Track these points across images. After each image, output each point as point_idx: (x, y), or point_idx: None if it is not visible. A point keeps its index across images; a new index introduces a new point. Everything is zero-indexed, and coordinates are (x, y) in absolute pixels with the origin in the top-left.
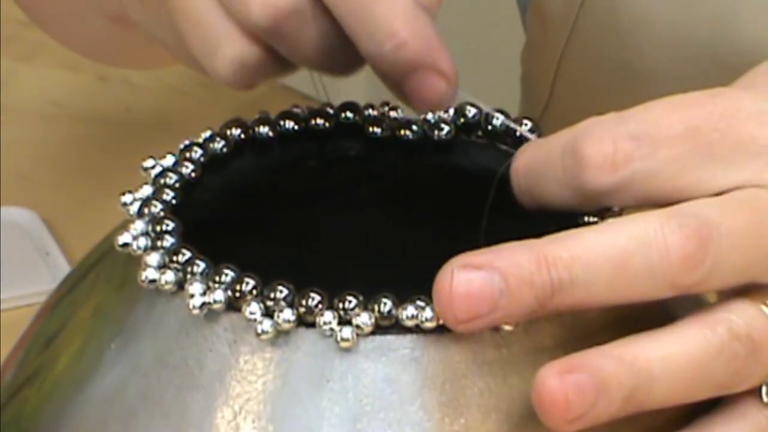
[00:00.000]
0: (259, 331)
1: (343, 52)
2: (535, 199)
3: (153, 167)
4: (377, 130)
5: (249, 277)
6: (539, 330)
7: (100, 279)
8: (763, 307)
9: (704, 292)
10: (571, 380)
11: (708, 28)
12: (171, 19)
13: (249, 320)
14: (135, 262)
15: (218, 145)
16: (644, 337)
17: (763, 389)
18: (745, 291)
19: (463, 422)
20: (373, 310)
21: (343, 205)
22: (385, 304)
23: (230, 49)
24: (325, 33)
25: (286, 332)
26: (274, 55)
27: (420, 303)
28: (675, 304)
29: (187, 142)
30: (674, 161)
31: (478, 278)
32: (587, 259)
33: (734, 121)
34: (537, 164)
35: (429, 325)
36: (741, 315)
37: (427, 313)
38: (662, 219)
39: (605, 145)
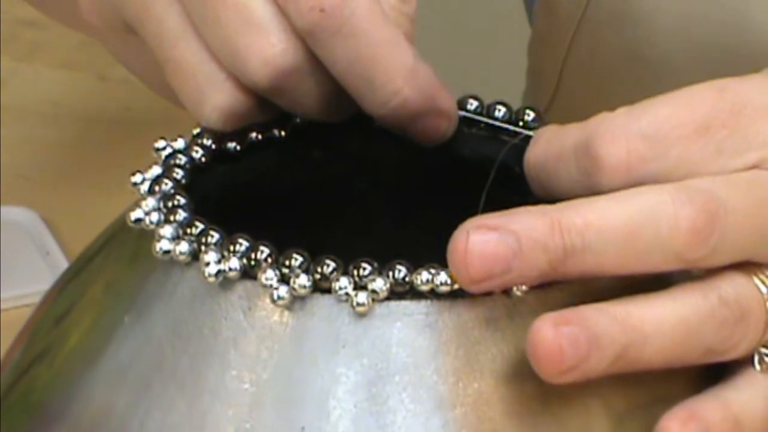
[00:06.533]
0: (275, 297)
1: (338, 103)
2: (546, 190)
3: (164, 149)
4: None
5: (264, 245)
6: (551, 298)
7: (111, 257)
8: (754, 278)
9: (707, 267)
10: (566, 332)
11: (719, 18)
12: (158, 64)
13: (265, 286)
14: (147, 237)
15: (231, 144)
16: (638, 298)
17: (755, 358)
18: (738, 264)
19: (476, 387)
20: (387, 276)
21: (347, 195)
22: (399, 270)
23: (218, 98)
24: (321, 87)
25: (302, 298)
26: (263, 101)
27: (433, 270)
28: (680, 279)
29: (199, 129)
30: (685, 161)
31: (493, 239)
32: (600, 226)
33: (741, 117)
34: (549, 159)
35: (444, 288)
36: (731, 284)
37: (442, 277)
38: (673, 192)
39: (619, 146)
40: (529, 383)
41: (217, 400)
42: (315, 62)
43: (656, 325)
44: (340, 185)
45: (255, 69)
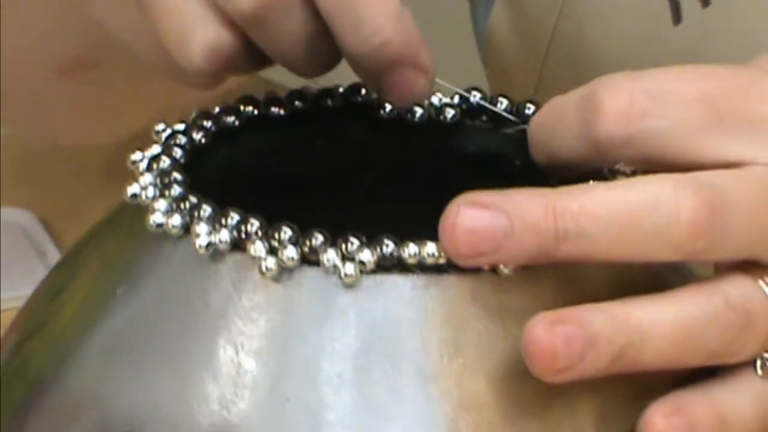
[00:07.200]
0: (263, 268)
1: (317, 50)
2: (547, 154)
3: (164, 130)
4: (384, 112)
5: (254, 218)
6: (539, 280)
7: (107, 235)
8: (761, 282)
9: (707, 261)
10: (560, 331)
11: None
12: (142, 10)
13: (253, 258)
14: (142, 214)
15: (230, 118)
16: (639, 298)
17: (758, 363)
18: (743, 267)
19: (461, 362)
20: (375, 249)
21: (348, 185)
22: (387, 245)
23: (204, 35)
24: (304, 26)
25: (290, 270)
26: (248, 45)
27: (420, 242)
28: (675, 280)
29: (198, 112)
30: (686, 124)
31: (484, 216)
32: (596, 212)
33: (748, 98)
34: (552, 117)
35: (430, 260)
36: (738, 287)
37: (429, 248)
38: (677, 183)
39: (621, 96)
40: (514, 360)
41: (205, 370)
42: None
43: (657, 326)
44: (343, 173)
45: None
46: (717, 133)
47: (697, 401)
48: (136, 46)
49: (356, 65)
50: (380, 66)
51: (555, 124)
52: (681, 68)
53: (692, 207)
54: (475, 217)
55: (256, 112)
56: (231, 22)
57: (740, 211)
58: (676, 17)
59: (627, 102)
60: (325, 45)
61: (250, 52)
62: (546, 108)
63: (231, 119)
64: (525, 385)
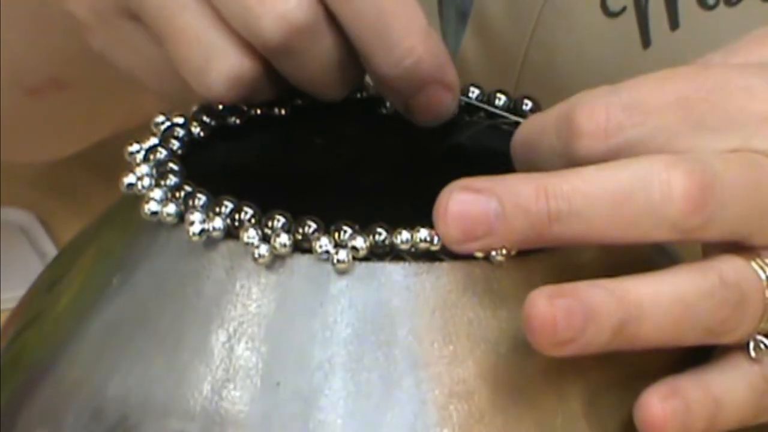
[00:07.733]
0: (256, 255)
1: (342, 74)
2: (529, 169)
3: (163, 123)
4: (383, 108)
5: (248, 206)
6: (530, 268)
7: (103, 228)
8: (752, 264)
9: (701, 240)
10: (561, 304)
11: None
12: (156, 38)
13: (246, 244)
14: (138, 205)
15: (229, 114)
16: (636, 276)
17: (750, 344)
18: (734, 250)
19: (451, 349)
20: (368, 237)
21: (347, 182)
22: (380, 233)
23: (225, 64)
24: (329, 53)
25: (282, 257)
26: (269, 72)
27: (413, 229)
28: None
29: (198, 107)
30: (665, 130)
31: (475, 200)
32: (588, 192)
33: (724, 93)
34: (532, 134)
35: (423, 246)
36: (731, 266)
37: (422, 234)
38: (668, 162)
39: (598, 113)
40: (504, 348)
41: (196, 356)
42: (327, 22)
43: (654, 301)
44: (342, 173)
45: (268, 24)
46: (697, 134)
47: (692, 385)
48: (142, 76)
49: (385, 86)
50: (410, 86)
51: (535, 142)
52: (654, 76)
53: (684, 182)
54: (467, 200)
55: (258, 111)
56: (253, 50)
57: (731, 189)
58: (645, 41)
59: (603, 117)
60: (350, 68)
61: (272, 79)
62: (525, 126)
63: (230, 115)
64: (516, 373)
